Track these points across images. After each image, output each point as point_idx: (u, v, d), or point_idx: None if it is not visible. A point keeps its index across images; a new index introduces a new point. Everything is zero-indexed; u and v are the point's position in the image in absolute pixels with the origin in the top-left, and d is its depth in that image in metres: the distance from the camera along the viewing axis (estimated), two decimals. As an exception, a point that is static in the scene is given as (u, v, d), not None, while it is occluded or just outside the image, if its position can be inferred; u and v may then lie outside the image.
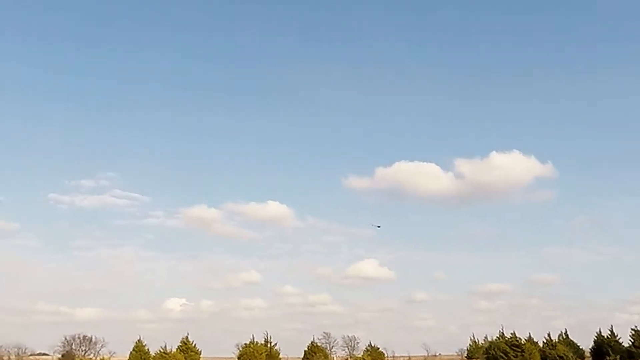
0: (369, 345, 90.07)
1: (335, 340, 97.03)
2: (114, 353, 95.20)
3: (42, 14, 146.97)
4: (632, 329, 68.49)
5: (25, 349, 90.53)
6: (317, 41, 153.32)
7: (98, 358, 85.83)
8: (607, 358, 59.79)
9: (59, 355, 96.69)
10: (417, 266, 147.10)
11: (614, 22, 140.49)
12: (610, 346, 66.37)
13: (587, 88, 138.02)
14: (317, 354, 77.27)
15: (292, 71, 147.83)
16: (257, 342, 75.61)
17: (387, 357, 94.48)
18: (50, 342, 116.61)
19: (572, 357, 62.85)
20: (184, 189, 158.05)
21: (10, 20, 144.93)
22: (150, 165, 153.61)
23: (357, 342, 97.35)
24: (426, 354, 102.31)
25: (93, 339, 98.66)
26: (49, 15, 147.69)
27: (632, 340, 67.25)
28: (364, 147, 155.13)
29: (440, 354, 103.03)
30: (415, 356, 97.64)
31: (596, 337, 70.83)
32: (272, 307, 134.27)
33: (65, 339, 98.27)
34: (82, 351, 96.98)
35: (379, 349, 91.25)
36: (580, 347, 72.83)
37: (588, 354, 71.66)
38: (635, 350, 64.18)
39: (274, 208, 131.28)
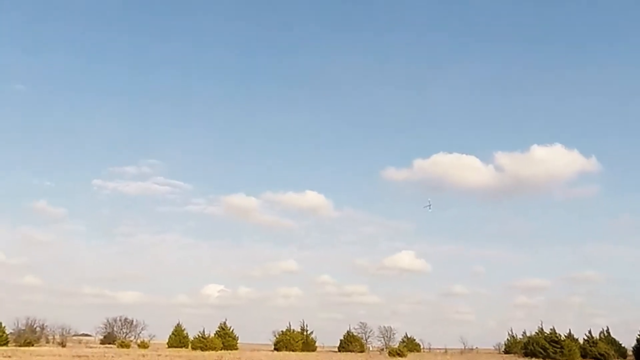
0: (405, 337, 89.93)
1: (371, 331, 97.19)
2: (154, 336, 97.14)
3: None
4: (677, 329, 66.68)
5: (69, 330, 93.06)
6: (357, 36, 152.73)
7: (138, 340, 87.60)
8: (650, 357, 58.33)
9: (101, 337, 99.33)
10: (455, 259, 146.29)
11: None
12: (654, 345, 64.71)
13: (633, 81, 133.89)
14: (353, 344, 77.38)
15: (333, 65, 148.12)
16: (293, 330, 76.15)
17: (424, 349, 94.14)
18: (94, 323, 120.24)
19: (613, 355, 61.45)
20: (224, 177, 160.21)
21: (55, 8, 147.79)
22: (191, 153, 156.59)
23: (394, 333, 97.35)
24: (463, 347, 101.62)
25: (134, 322, 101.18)
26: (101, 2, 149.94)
27: (677, 340, 65.47)
28: (402, 139, 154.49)
29: (477, 348, 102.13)
30: (452, 349, 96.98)
31: (639, 336, 69.16)
32: (309, 296, 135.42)
33: (108, 321, 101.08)
34: (123, 333, 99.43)
35: (415, 340, 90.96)
36: (623, 345, 71.24)
37: (630, 353, 70.05)
38: (679, 350, 62.46)
39: (312, 198, 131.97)
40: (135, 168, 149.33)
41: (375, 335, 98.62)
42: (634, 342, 69.91)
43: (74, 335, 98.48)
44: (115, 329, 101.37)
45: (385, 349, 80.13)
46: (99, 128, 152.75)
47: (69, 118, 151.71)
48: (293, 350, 68.66)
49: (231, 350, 68.36)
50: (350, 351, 72.91)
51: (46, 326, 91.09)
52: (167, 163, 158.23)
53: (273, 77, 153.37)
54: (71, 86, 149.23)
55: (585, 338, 66.87)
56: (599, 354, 59.94)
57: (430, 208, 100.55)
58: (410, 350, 75.13)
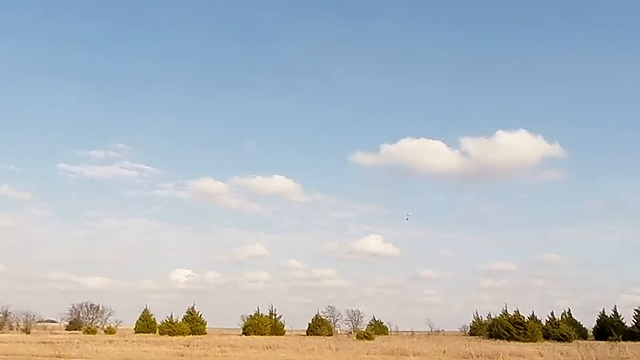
0: (372, 320, 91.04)
1: (339, 314, 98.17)
2: (121, 322, 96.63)
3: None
4: (636, 310, 68.67)
5: (34, 316, 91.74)
6: (325, 21, 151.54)
7: (105, 326, 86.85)
8: (610, 338, 59.90)
9: (67, 323, 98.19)
10: (422, 243, 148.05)
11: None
12: (613, 326, 66.53)
13: (594, 68, 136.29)
14: (322, 327, 77.90)
15: (300, 50, 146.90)
16: (262, 314, 76.34)
17: (391, 331, 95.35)
18: (59, 310, 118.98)
19: (574, 335, 63.03)
20: (192, 161, 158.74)
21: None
22: (159, 137, 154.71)
23: (361, 317, 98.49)
24: (430, 330, 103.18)
25: (100, 308, 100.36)
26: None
27: (635, 321, 67.44)
28: (370, 124, 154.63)
29: (443, 330, 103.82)
30: (418, 332, 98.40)
31: (599, 317, 71.10)
32: (277, 280, 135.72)
33: (73, 307, 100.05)
34: (89, 319, 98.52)
35: (382, 323, 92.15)
36: (584, 326, 73.21)
37: (591, 333, 72.00)
38: (638, 331, 64.34)
39: (280, 182, 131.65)
40: (102, 152, 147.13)
41: (344, 319, 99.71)
42: (595, 323, 72.01)
43: (39, 322, 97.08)
44: (81, 314, 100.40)
45: (353, 332, 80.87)
46: (64, 112, 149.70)
47: (33, 102, 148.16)
48: (262, 335, 68.80)
49: (199, 335, 68.18)
50: (319, 335, 73.37)
51: (10, 312, 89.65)
52: (135, 147, 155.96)
53: (241, 62, 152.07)
54: (35, 70, 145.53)
55: (548, 320, 68.44)
56: (561, 334, 61.34)
57: (408, 219, 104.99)
58: (378, 333, 75.94)
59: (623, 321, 68.75)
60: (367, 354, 29.17)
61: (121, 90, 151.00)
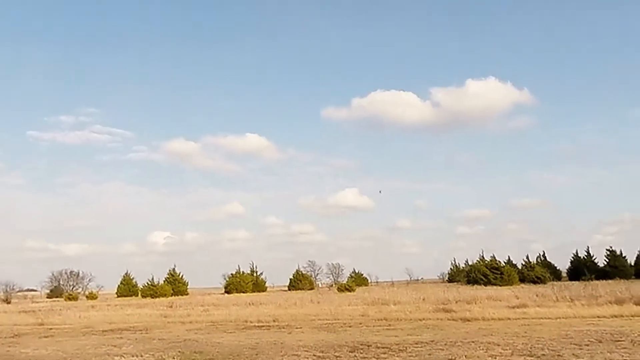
0: (353, 272, 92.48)
1: (320, 268, 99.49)
2: (102, 287, 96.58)
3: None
4: (607, 249, 70.88)
5: (14, 286, 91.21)
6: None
7: (86, 292, 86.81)
8: (583, 278, 61.78)
9: (48, 291, 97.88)
10: (398, 195, 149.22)
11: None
12: (587, 266, 68.58)
13: (559, 12, 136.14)
14: (303, 282, 78.91)
15: (268, 7, 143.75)
16: (243, 272, 76.95)
17: (371, 282, 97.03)
18: (39, 278, 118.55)
19: (549, 277, 64.84)
20: (162, 122, 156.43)
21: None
22: (129, 99, 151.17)
23: (342, 270, 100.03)
24: (409, 279, 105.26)
25: (80, 274, 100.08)
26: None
27: (607, 260, 69.56)
28: (340, 78, 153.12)
29: (422, 279, 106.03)
30: (398, 281, 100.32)
31: (573, 258, 73.16)
32: (256, 238, 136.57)
33: (53, 274, 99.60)
34: (70, 286, 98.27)
35: (362, 275, 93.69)
36: (558, 268, 75.28)
37: (565, 275, 74.07)
38: (609, 270, 66.42)
39: (253, 140, 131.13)
40: (72, 117, 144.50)
41: (324, 272, 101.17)
42: (568, 265, 74.05)
43: (19, 291, 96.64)
44: (61, 282, 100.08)
45: (334, 285, 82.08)
46: (30, 78, 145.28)
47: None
48: (244, 292, 69.53)
49: (182, 295, 68.64)
50: (300, 289, 74.36)
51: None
52: (105, 111, 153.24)
53: (209, 17, 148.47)
54: (0, 33, 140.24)
55: (523, 263, 70.26)
56: (536, 277, 63.08)
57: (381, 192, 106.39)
58: (359, 285, 77.30)
59: (595, 261, 70.91)
60: (349, 305, 29.68)
61: (88, 52, 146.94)
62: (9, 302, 73.17)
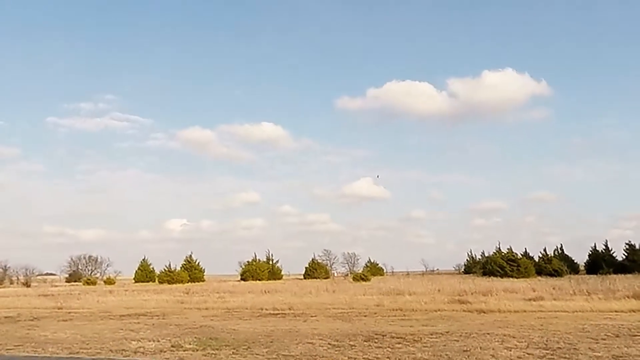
0: (368, 262, 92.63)
1: (335, 257, 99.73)
2: (120, 272, 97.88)
3: None
4: (626, 244, 70.09)
5: (33, 270, 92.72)
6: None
7: (104, 277, 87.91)
8: (601, 271, 61.24)
9: (67, 275, 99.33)
10: (413, 185, 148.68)
11: None
12: (605, 260, 67.92)
13: (579, 2, 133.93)
14: (318, 271, 79.19)
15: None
16: (259, 260, 77.43)
17: (386, 272, 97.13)
18: (58, 262, 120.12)
19: (566, 271, 64.39)
20: (179, 110, 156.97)
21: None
22: (148, 86, 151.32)
23: (357, 259, 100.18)
24: (424, 270, 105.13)
25: (98, 259, 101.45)
26: None
27: (626, 255, 68.83)
28: (355, 68, 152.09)
29: (438, 270, 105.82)
30: (414, 272, 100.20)
31: (591, 251, 72.51)
32: (271, 226, 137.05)
33: (72, 259, 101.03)
34: (88, 271, 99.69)
35: (378, 265, 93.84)
36: (576, 261, 74.70)
37: (582, 268, 73.50)
38: (628, 264, 65.69)
39: (269, 129, 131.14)
40: (92, 104, 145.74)
41: (340, 262, 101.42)
42: (586, 258, 73.45)
43: (39, 275, 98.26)
44: (80, 267, 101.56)
45: (349, 275, 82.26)
46: (50, 64, 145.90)
47: (17, 54, 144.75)
48: (259, 280, 69.93)
49: (198, 282, 69.23)
50: (316, 278, 74.65)
51: (9, 267, 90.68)
52: (124, 97, 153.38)
53: (227, 7, 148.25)
54: (19, 21, 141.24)
55: (540, 256, 69.82)
56: (553, 270, 62.66)
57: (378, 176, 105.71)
58: (374, 275, 77.44)
59: (614, 255, 70.25)
60: (364, 295, 29.73)
61: (107, 40, 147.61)
62: (28, 286, 74.44)
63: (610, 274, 57.35)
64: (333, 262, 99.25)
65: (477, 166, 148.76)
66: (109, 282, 76.89)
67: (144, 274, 79.79)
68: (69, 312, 24.77)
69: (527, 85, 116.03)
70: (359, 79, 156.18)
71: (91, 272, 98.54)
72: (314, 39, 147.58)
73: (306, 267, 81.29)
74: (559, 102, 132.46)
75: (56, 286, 70.86)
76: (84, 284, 74.24)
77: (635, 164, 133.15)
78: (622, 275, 53.37)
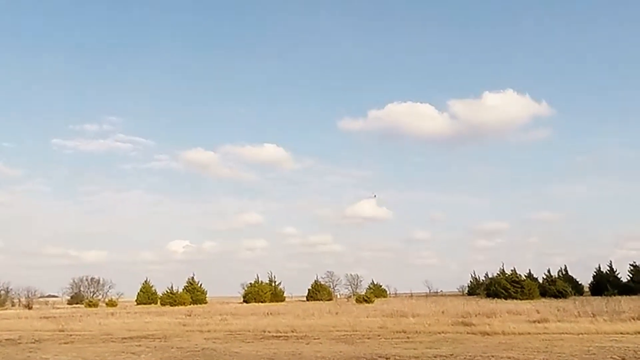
0: (371, 283, 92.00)
1: (338, 279, 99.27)
2: (122, 294, 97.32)
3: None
4: (631, 265, 69.58)
5: (35, 291, 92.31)
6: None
7: (106, 299, 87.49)
8: (605, 293, 60.78)
9: (68, 297, 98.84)
10: (415, 206, 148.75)
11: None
12: (609, 281, 67.44)
13: (578, 22, 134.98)
14: (321, 292, 78.76)
15: (286, 18, 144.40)
16: (261, 281, 77.06)
17: (390, 294, 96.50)
18: (59, 284, 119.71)
19: (570, 292, 63.92)
20: (182, 132, 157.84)
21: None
22: (151, 108, 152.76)
23: (360, 281, 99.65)
24: (428, 291, 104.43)
25: (101, 281, 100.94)
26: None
27: (631, 275, 68.35)
28: (356, 90, 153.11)
29: (441, 291, 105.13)
30: (417, 293, 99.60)
31: (595, 272, 71.95)
32: (274, 247, 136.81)
33: (74, 281, 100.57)
34: (90, 293, 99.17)
35: (381, 286, 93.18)
36: (580, 282, 74.17)
37: (587, 289, 72.97)
38: (633, 285, 65.22)
39: (271, 150, 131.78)
40: (96, 125, 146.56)
41: (343, 283, 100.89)
42: (591, 279, 72.92)
43: (40, 297, 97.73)
44: (82, 288, 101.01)
45: (352, 296, 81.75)
46: (56, 86, 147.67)
47: (24, 76, 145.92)
48: (262, 302, 69.57)
49: (200, 304, 68.85)
50: (319, 300, 74.23)
51: (10, 289, 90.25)
52: (128, 119, 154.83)
53: (228, 28, 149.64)
54: (25, 43, 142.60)
55: (545, 277, 69.37)
56: (558, 291, 62.19)
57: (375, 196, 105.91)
58: (377, 296, 76.83)
59: (619, 276, 69.70)
60: (367, 317, 29.54)
61: (111, 62, 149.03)
62: (30, 308, 74.07)
63: (615, 295, 56.94)
64: (336, 284, 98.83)
65: (479, 187, 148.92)
66: (111, 304, 76.47)
67: (146, 295, 79.37)
68: (71, 335, 24.64)
69: (527, 106, 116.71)
70: (360, 100, 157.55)
71: (93, 294, 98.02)
72: (315, 60, 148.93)
73: (309, 289, 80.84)
74: (560, 123, 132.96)
75: (58, 308, 70.53)
76: (85, 306, 73.82)
77: (639, 183, 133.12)
78: (627, 296, 52.99)
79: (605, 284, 67.05)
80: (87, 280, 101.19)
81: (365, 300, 59.00)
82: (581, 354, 14.14)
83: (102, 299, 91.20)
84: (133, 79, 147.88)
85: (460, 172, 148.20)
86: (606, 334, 19.31)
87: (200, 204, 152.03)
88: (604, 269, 71.22)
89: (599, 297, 53.91)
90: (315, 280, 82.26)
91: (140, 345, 18.95)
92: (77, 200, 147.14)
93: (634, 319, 22.71)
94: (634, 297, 51.27)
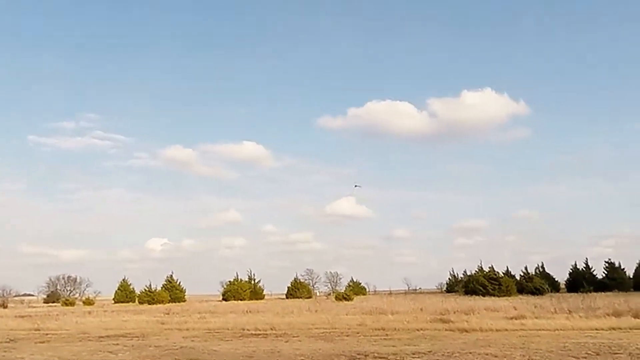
0: (351, 281, 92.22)
1: (318, 277, 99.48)
2: (99, 292, 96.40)
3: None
4: (606, 262, 70.72)
5: (10, 290, 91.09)
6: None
7: (83, 298, 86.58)
8: (581, 290, 61.63)
9: (45, 296, 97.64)
10: (396, 204, 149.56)
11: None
12: (585, 278, 68.36)
13: (556, 22, 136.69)
14: (301, 290, 78.68)
15: (266, 16, 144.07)
16: (240, 279, 76.77)
17: (369, 292, 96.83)
18: (36, 283, 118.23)
19: (547, 289, 64.64)
20: (161, 129, 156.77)
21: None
22: (130, 105, 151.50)
23: (340, 278, 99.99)
24: (407, 289, 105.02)
25: (78, 279, 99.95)
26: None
27: (606, 272, 69.42)
28: (335, 88, 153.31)
29: (420, 289, 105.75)
30: (396, 291, 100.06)
31: (571, 269, 72.89)
32: (254, 246, 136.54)
33: (50, 279, 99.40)
34: (67, 291, 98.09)
35: (360, 284, 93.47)
36: (556, 279, 75.05)
37: (563, 287, 73.88)
38: (608, 282, 66.24)
39: (250, 148, 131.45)
40: (74, 123, 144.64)
41: (322, 281, 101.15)
42: (567, 276, 73.85)
43: (16, 296, 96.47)
44: (58, 287, 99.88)
45: (332, 294, 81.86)
46: (32, 83, 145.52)
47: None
48: (241, 300, 69.32)
49: (179, 302, 68.42)
50: (298, 297, 74.15)
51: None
52: (106, 116, 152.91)
53: (207, 26, 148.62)
54: (1, 39, 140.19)
55: (522, 274, 70.03)
56: (535, 288, 62.85)
57: (359, 186, 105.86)
58: (357, 294, 77.05)
59: (594, 273, 70.68)
60: (347, 315, 29.60)
61: (89, 58, 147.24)
62: (5, 307, 72.95)
63: (590, 292, 57.84)
64: (316, 282, 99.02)
65: (459, 185, 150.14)
66: (88, 302, 75.63)
67: (124, 294, 78.63)
68: (47, 334, 24.32)
69: (506, 105, 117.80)
70: (339, 98, 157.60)
71: (70, 293, 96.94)
72: (295, 59, 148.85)
73: (288, 287, 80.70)
74: (538, 122, 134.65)
75: (34, 307, 69.61)
76: (62, 305, 72.90)
77: (616, 183, 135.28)
78: (602, 293, 53.87)
79: (581, 281, 67.96)
80: (64, 278, 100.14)
81: (345, 298, 59.08)
82: (557, 350, 14.32)
83: (79, 298, 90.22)
84: (111, 75, 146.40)
85: (441, 170, 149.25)
86: (582, 330, 19.58)
87: (180, 202, 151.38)
88: (580, 266, 72.22)
89: (575, 294, 54.70)
90: (294, 278, 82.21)
91: (117, 344, 18.77)
92: (55, 198, 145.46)
93: (608, 315, 23.07)
94: (608, 293, 52.13)
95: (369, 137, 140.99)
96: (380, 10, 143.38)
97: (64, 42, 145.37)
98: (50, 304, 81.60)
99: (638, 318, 21.72)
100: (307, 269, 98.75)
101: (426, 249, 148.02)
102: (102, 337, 22.02)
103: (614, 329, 19.52)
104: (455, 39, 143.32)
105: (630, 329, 19.46)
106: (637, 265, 69.75)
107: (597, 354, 13.37)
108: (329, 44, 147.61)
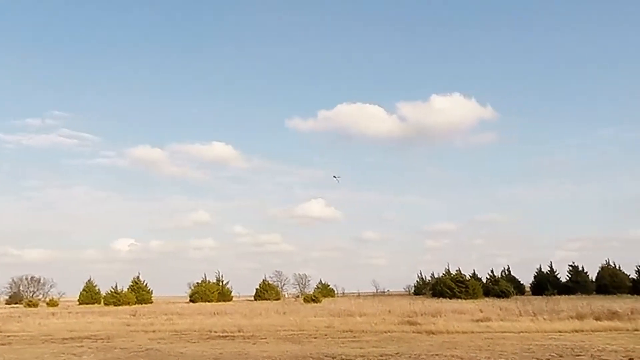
0: (319, 283, 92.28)
1: (286, 279, 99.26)
2: (64, 293, 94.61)
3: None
4: (570, 265, 72.08)
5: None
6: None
7: (47, 299, 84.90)
8: (546, 292, 62.69)
9: (7, 297, 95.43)
10: (366, 206, 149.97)
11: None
12: (549, 281, 69.58)
13: (524, 29, 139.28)
14: (269, 292, 78.47)
15: (237, 17, 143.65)
16: (208, 281, 76.20)
17: (338, 294, 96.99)
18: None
19: (513, 292, 65.61)
20: (129, 128, 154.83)
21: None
22: (97, 104, 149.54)
23: (309, 280, 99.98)
24: (375, 291, 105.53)
25: (41, 280, 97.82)
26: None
27: (570, 276, 70.76)
28: (306, 89, 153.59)
29: (389, 291, 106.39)
30: (365, 293, 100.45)
31: (536, 273, 74.13)
32: (222, 247, 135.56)
33: (13, 280, 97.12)
34: (30, 292, 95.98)
35: (329, 286, 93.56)
36: (522, 282, 76.26)
37: (528, 289, 75.05)
38: (572, 285, 67.56)
39: (220, 149, 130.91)
40: (39, 120, 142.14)
41: (291, 283, 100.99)
42: (532, 279, 75.06)
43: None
44: (21, 288, 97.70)
45: (300, 296, 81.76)
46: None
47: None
48: (209, 301, 68.77)
49: (146, 304, 67.57)
50: (267, 299, 73.90)
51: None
52: (73, 114, 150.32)
53: (177, 26, 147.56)
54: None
55: (488, 277, 71.02)
56: (501, 291, 63.70)
57: (338, 180, 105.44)
58: (325, 296, 77.09)
59: (558, 276, 72.00)
60: (315, 317, 29.60)
61: (55, 56, 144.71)
62: (-35, 308, 71.17)
63: (554, 294, 58.85)
64: (284, 283, 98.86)
65: (428, 188, 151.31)
66: (52, 303, 74.16)
67: (89, 295, 77.36)
68: (8, 336, 23.78)
69: (474, 109, 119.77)
70: (310, 100, 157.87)
71: (33, 294, 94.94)
72: (265, 59, 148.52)
73: (257, 289, 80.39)
74: (505, 127, 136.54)
75: (-5, 308, 68.06)
76: (25, 306, 71.38)
77: (581, 187, 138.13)
78: (566, 296, 54.84)
79: (545, 284, 69.16)
80: (27, 279, 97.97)
81: (313, 300, 59.06)
82: (522, 352, 14.53)
83: (43, 299, 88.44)
84: (78, 73, 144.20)
85: (411, 173, 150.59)
86: (546, 332, 19.91)
87: (148, 202, 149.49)
88: (545, 269, 73.54)
89: (540, 297, 55.55)
90: (263, 280, 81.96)
91: (82, 346, 18.46)
92: (19, 196, 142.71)
93: (571, 318, 23.52)
94: (572, 296, 53.11)
95: (339, 140, 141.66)
96: (350, 14, 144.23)
97: (31, 40, 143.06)
98: (13, 305, 79.81)
99: (600, 321, 22.20)
100: (276, 271, 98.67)
101: (395, 252, 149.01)
102: (66, 339, 21.63)
103: (576, 331, 19.91)
104: (425, 44, 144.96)
105: (592, 331, 19.87)
106: (599, 269, 71.28)
107: (561, 356, 13.61)
108: (300, 46, 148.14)
